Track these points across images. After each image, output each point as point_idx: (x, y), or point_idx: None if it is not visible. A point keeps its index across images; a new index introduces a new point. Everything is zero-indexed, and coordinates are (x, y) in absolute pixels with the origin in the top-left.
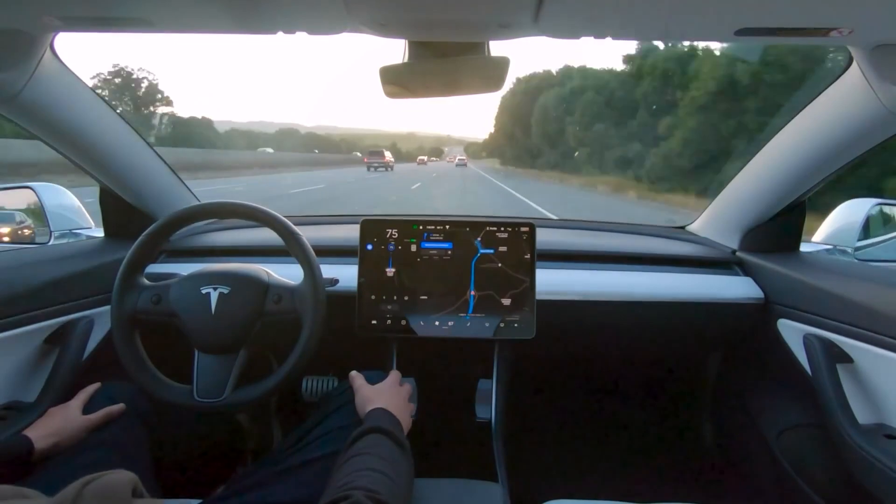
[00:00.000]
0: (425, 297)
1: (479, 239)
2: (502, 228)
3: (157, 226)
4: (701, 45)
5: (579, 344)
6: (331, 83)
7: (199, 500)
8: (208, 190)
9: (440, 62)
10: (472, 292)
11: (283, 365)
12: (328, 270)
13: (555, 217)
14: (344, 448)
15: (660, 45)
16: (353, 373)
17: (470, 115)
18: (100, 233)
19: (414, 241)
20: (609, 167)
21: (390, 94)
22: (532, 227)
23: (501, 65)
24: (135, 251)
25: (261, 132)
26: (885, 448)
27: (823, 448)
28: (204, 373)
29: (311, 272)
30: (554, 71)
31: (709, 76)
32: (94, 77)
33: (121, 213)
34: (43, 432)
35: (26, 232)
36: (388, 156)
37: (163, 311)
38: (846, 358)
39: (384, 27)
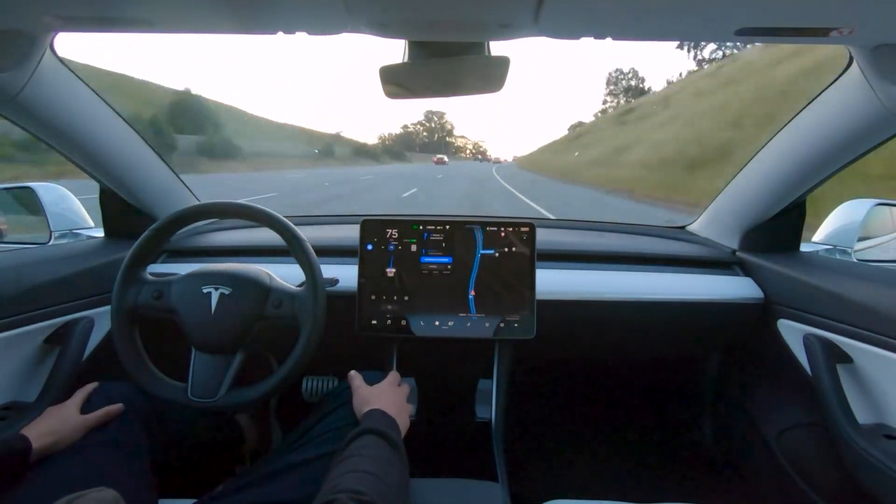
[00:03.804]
0: (425, 297)
1: (479, 239)
2: (502, 228)
3: (161, 223)
4: None
5: (579, 344)
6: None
7: (198, 500)
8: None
9: (440, 62)
10: (472, 292)
11: (279, 370)
12: (328, 270)
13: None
14: (339, 450)
15: None
16: (352, 372)
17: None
18: (100, 233)
19: (414, 241)
20: None
21: (390, 95)
22: (532, 227)
23: (501, 65)
24: (138, 247)
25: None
26: (885, 448)
27: (823, 448)
28: (199, 372)
29: (313, 275)
30: None
31: None
32: None
33: (121, 213)
34: (40, 431)
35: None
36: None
37: (163, 308)
38: (846, 358)
39: (384, 27)
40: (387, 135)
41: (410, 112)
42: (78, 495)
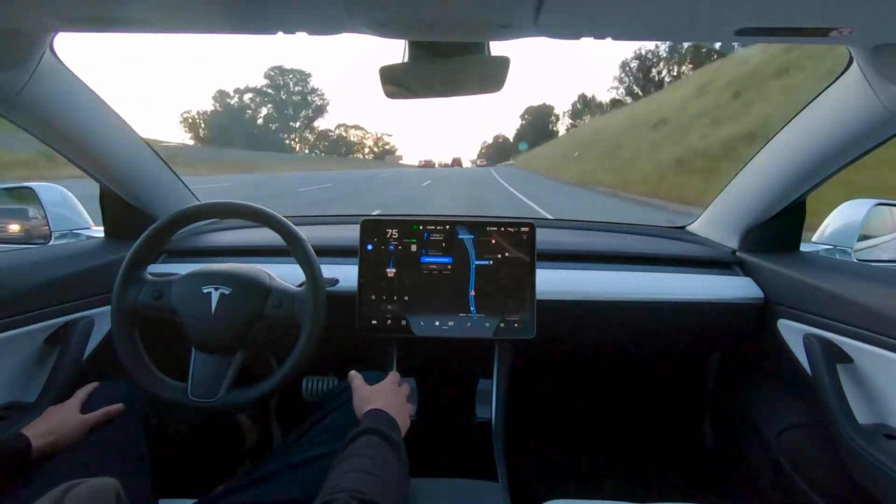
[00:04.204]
0: (425, 297)
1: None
2: (502, 228)
3: (161, 223)
4: None
5: (579, 344)
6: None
7: (198, 500)
8: None
9: (440, 62)
10: (472, 292)
11: (279, 370)
12: (328, 270)
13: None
14: (339, 449)
15: None
16: (352, 372)
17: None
18: (100, 233)
19: (414, 241)
20: None
21: (390, 95)
22: (532, 227)
23: (501, 65)
24: (138, 247)
25: None
26: (885, 448)
27: (823, 448)
28: (199, 372)
29: (313, 275)
30: None
31: None
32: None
33: (121, 213)
34: (41, 431)
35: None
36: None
37: (163, 307)
38: (846, 358)
39: (384, 27)
40: (187, 115)
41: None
42: (78, 482)
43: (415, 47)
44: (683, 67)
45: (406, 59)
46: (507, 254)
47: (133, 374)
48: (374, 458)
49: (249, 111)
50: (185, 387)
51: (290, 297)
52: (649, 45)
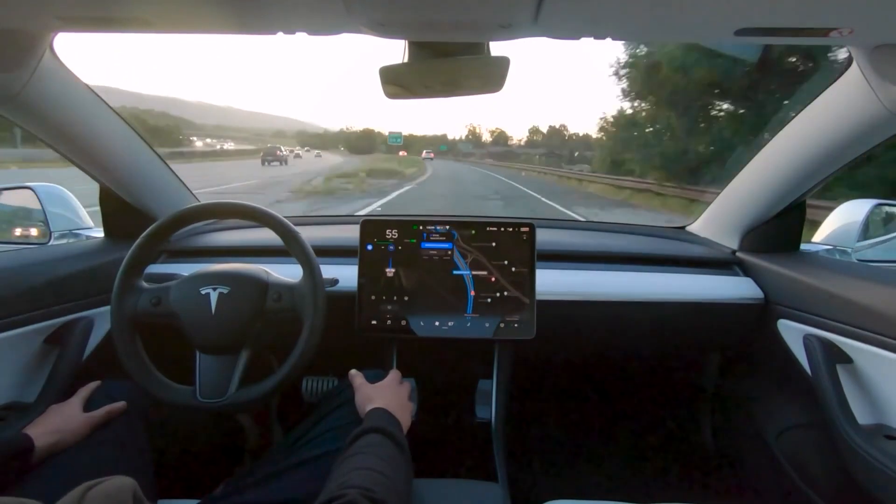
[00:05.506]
0: (425, 298)
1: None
2: (502, 228)
3: (155, 227)
4: None
5: (579, 344)
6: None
7: (199, 501)
8: None
9: (440, 62)
10: (472, 292)
11: (285, 363)
12: (328, 270)
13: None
14: (343, 448)
15: None
16: (353, 371)
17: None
18: (100, 233)
19: (414, 241)
20: None
21: (390, 95)
22: (532, 227)
23: (501, 65)
24: (133, 253)
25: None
26: (885, 448)
27: (823, 448)
28: (206, 373)
29: (311, 270)
30: None
31: None
32: None
33: (121, 213)
34: (43, 430)
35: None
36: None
37: (163, 313)
38: (846, 358)
39: (384, 27)
40: None
41: None
42: (97, 482)
43: (415, 47)
44: None
45: (406, 59)
46: (507, 254)
47: (141, 383)
48: (380, 456)
49: None
50: (192, 390)
51: (289, 289)
52: None
